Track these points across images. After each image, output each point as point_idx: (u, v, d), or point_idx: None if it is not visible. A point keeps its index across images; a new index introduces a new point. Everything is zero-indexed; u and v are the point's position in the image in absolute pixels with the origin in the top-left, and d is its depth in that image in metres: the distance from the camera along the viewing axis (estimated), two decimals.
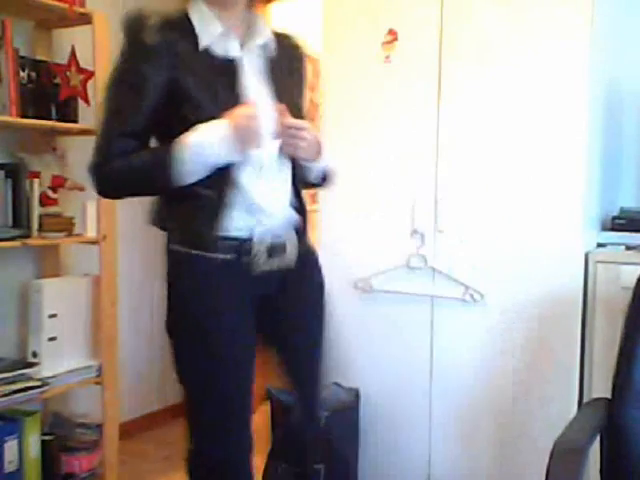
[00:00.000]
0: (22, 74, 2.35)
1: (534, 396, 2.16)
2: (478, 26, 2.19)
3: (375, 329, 2.41)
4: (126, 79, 1.44)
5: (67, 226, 2.50)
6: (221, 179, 1.43)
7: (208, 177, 1.43)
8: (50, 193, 2.52)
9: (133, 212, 3.09)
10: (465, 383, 2.26)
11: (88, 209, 2.52)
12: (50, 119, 2.45)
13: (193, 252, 1.46)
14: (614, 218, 2.29)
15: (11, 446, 2.30)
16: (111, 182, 1.49)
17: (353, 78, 2.43)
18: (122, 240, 2.80)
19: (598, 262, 2.10)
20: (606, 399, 1.65)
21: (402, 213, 2.34)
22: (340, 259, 2.39)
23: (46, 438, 2.45)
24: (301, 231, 1.59)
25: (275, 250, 1.53)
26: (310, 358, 1.75)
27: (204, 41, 1.44)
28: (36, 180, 2.40)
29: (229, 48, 1.46)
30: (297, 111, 1.56)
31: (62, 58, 2.56)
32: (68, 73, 2.50)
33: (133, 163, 1.44)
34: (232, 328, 1.51)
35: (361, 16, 2.40)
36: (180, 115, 1.41)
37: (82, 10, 2.46)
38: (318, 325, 1.74)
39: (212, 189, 1.43)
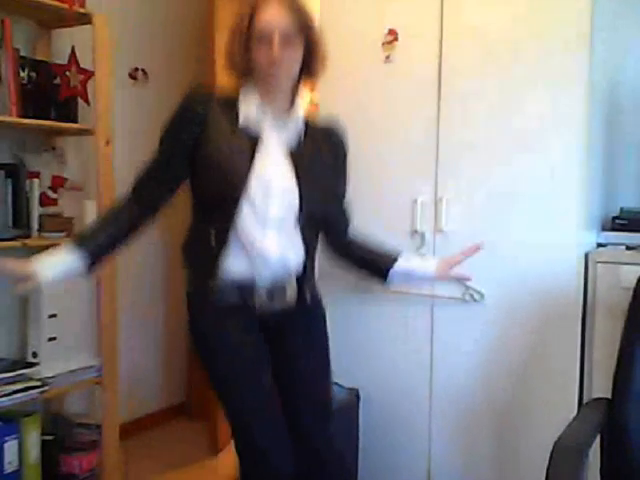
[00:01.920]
0: (22, 74, 2.35)
1: (534, 396, 2.15)
2: (478, 26, 2.19)
3: (375, 329, 2.41)
4: (165, 135, 1.70)
5: (67, 226, 2.50)
6: (224, 227, 1.64)
7: (216, 220, 1.65)
8: (50, 193, 2.52)
9: None
10: (465, 383, 2.26)
11: (88, 209, 2.52)
12: (50, 119, 2.45)
13: (202, 298, 1.70)
14: (614, 218, 2.29)
15: (11, 446, 2.30)
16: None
17: (353, 78, 2.43)
18: None
19: (598, 262, 2.10)
20: (606, 399, 1.65)
21: (402, 213, 2.34)
22: None
23: (46, 438, 2.45)
24: (302, 279, 1.76)
25: (275, 293, 1.71)
26: (317, 392, 1.85)
27: (241, 120, 1.67)
28: (36, 180, 2.40)
29: (259, 127, 1.67)
30: (322, 194, 1.76)
31: (62, 58, 2.56)
32: (68, 73, 2.50)
33: (110, 209, 1.77)
34: (240, 349, 1.70)
35: (361, 16, 2.40)
36: (198, 174, 1.68)
37: (82, 10, 2.46)
38: (324, 357, 1.87)
39: (217, 235, 1.65)
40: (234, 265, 1.66)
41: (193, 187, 1.72)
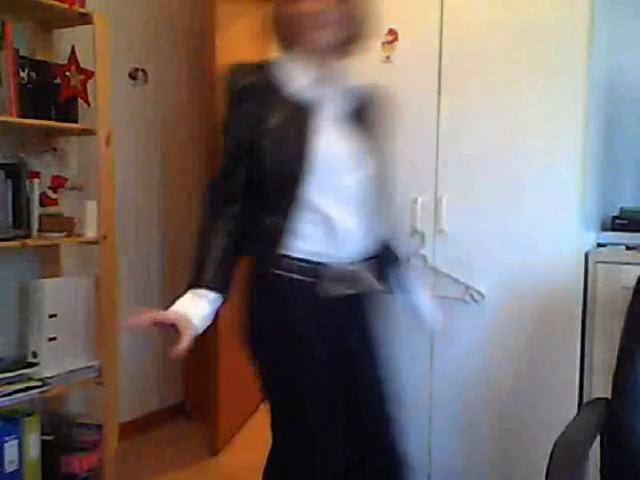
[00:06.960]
0: (22, 74, 2.35)
1: (534, 396, 2.16)
2: (478, 26, 2.19)
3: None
4: (224, 122, 1.59)
5: (67, 226, 2.50)
6: (291, 207, 1.52)
7: (277, 206, 1.53)
8: (50, 193, 2.52)
9: (133, 212, 3.10)
10: (465, 383, 2.26)
11: (88, 209, 2.52)
12: (50, 119, 2.45)
13: (270, 272, 1.54)
14: (614, 218, 2.29)
15: (11, 446, 2.30)
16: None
17: (353, 78, 2.42)
18: (122, 240, 2.80)
19: (598, 262, 2.10)
20: (606, 399, 1.65)
21: (402, 213, 2.34)
22: None
23: (46, 438, 2.45)
24: (374, 266, 1.66)
25: (344, 277, 1.58)
26: (374, 397, 1.75)
27: (290, 88, 1.56)
28: (36, 180, 2.40)
29: (312, 95, 1.57)
30: (380, 158, 1.71)
31: (62, 58, 2.57)
32: (68, 73, 2.50)
33: (201, 234, 1.56)
34: (307, 338, 1.57)
35: None
36: (252, 155, 1.54)
37: (82, 10, 2.46)
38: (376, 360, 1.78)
39: (278, 217, 1.53)
40: (303, 245, 1.53)
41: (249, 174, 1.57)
